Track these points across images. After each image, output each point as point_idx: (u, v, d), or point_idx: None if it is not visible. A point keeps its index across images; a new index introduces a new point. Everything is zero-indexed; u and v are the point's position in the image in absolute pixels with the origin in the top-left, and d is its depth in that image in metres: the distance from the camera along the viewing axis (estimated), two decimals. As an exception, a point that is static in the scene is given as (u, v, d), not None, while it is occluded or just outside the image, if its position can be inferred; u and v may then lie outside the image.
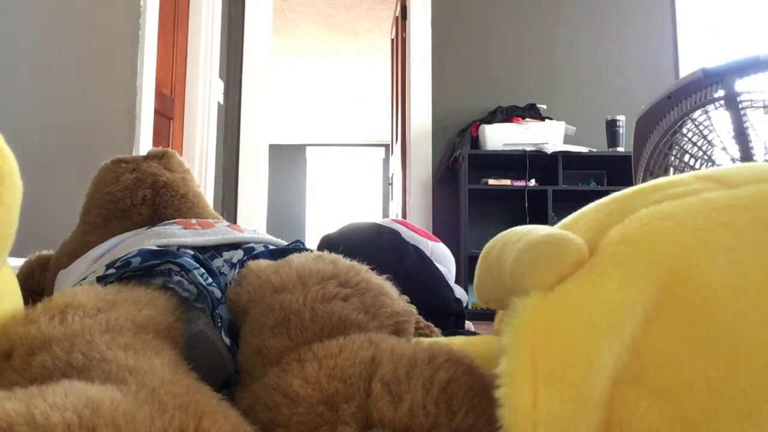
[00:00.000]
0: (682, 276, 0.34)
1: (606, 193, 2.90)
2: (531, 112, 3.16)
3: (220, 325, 0.58)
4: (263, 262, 0.62)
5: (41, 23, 1.44)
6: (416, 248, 1.06)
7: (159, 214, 0.83)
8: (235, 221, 3.12)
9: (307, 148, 7.97)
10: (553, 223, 2.68)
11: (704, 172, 0.43)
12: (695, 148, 1.24)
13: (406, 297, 0.62)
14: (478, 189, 2.96)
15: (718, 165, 1.23)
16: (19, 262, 0.97)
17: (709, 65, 1.20)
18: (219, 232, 0.75)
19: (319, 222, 7.74)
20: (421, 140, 3.23)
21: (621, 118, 3.08)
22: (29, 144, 1.40)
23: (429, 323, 0.81)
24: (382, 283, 0.58)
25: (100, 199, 0.84)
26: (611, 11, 3.35)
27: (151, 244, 0.68)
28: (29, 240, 1.34)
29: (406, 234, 1.09)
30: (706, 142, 1.22)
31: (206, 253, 0.71)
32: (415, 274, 1.00)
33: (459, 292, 1.07)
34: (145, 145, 2.01)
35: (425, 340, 0.48)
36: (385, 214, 7.71)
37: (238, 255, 0.71)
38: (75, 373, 0.40)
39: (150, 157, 0.89)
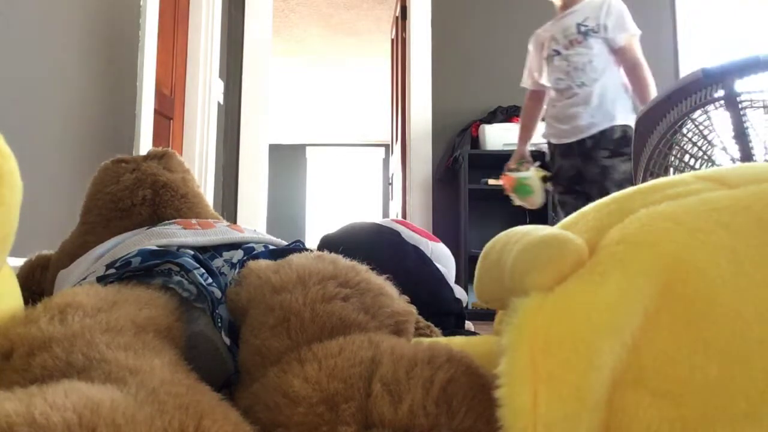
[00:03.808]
0: (682, 276, 0.34)
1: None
2: (531, 112, 3.16)
3: (220, 325, 0.58)
4: (263, 262, 0.62)
5: (41, 23, 1.44)
6: (416, 248, 1.06)
7: (159, 214, 0.83)
8: (235, 221, 3.12)
9: (307, 148, 7.97)
10: (553, 223, 2.68)
11: (704, 172, 0.43)
12: (695, 148, 1.24)
13: (406, 297, 0.62)
14: (478, 189, 2.96)
15: (718, 165, 1.23)
16: (19, 262, 0.97)
17: (709, 65, 1.20)
18: (219, 232, 0.75)
19: (319, 222, 7.74)
20: (421, 140, 3.23)
21: (621, 118, 3.07)
22: (30, 144, 1.40)
23: (429, 323, 0.81)
24: (382, 283, 0.58)
25: (100, 199, 0.84)
26: (611, 11, 3.35)
27: (151, 244, 0.68)
28: (29, 240, 1.34)
29: (406, 234, 1.09)
30: (706, 142, 1.23)
31: (206, 253, 0.71)
32: (415, 274, 1.00)
33: (459, 292, 1.07)
34: (145, 145, 2.00)
35: (425, 340, 0.48)
36: (385, 214, 7.70)
37: (238, 255, 0.71)
38: (75, 373, 0.40)
39: (150, 157, 0.89)
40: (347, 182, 7.96)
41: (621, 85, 2.06)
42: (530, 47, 2.26)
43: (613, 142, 1.99)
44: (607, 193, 1.93)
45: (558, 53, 2.06)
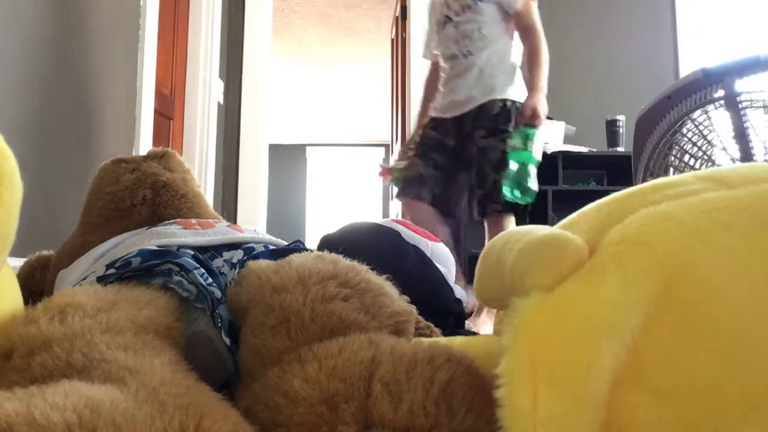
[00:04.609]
0: (682, 276, 0.34)
1: (606, 193, 2.88)
2: (531, 112, 3.15)
3: (220, 325, 0.58)
4: (263, 262, 0.62)
5: (41, 23, 1.44)
6: (416, 248, 1.06)
7: (159, 214, 0.83)
8: (235, 221, 3.12)
9: (307, 148, 7.97)
10: (553, 223, 2.68)
11: (704, 172, 0.43)
12: (695, 148, 1.24)
13: (406, 297, 0.62)
14: (478, 189, 2.95)
15: (718, 165, 1.23)
16: (19, 262, 0.97)
17: (709, 65, 1.20)
18: (219, 232, 0.75)
19: (319, 222, 7.74)
20: (421, 140, 3.23)
21: (621, 118, 3.08)
22: (29, 144, 1.40)
23: (429, 323, 0.81)
24: (382, 283, 0.58)
25: (100, 199, 0.84)
26: (611, 11, 3.35)
27: (151, 244, 0.68)
28: (29, 240, 1.34)
29: (407, 234, 1.09)
30: (706, 142, 1.23)
31: (206, 253, 0.71)
32: (415, 274, 1.00)
33: (459, 292, 1.07)
34: (145, 145, 2.00)
35: (425, 340, 0.48)
36: (385, 214, 7.70)
37: (238, 255, 0.71)
38: (75, 373, 0.40)
39: (150, 157, 0.89)
40: (347, 182, 7.96)
41: (508, 58, 1.95)
42: (427, 15, 2.11)
43: (490, 118, 1.88)
44: (485, 175, 1.90)
45: (449, 20, 1.94)
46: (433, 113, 2.04)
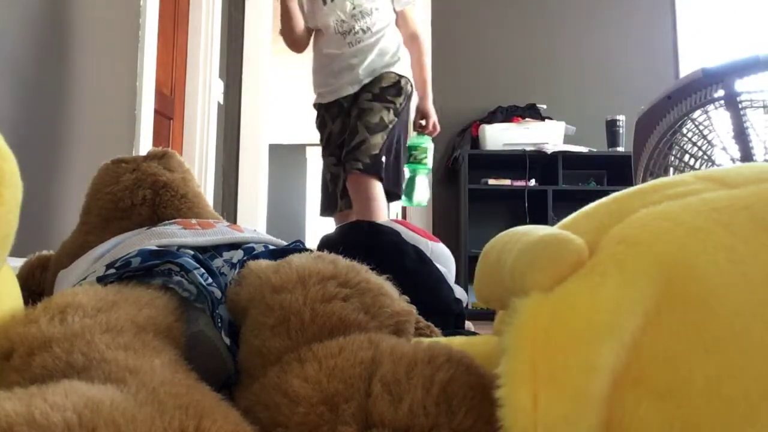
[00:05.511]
0: (682, 276, 0.34)
1: (606, 193, 2.87)
2: (531, 112, 3.16)
3: (220, 325, 0.58)
4: (263, 262, 0.62)
5: (41, 23, 1.44)
6: (416, 248, 1.06)
7: (159, 214, 0.83)
8: (235, 221, 3.12)
9: (307, 148, 7.96)
10: (553, 223, 2.68)
11: (704, 172, 0.43)
12: (695, 148, 1.24)
13: (406, 297, 0.62)
14: (478, 189, 2.96)
15: (718, 165, 1.23)
16: (19, 262, 0.97)
17: (709, 65, 1.20)
18: (219, 232, 0.75)
19: (319, 222, 7.73)
20: (421, 140, 3.23)
21: (621, 118, 3.08)
22: (29, 144, 1.40)
23: (429, 323, 0.81)
24: (382, 283, 0.58)
25: (100, 199, 0.84)
26: (612, 11, 3.35)
27: (151, 244, 0.68)
28: (29, 240, 1.34)
29: (407, 234, 1.09)
30: (706, 142, 1.23)
31: (206, 253, 0.71)
32: (415, 274, 1.00)
33: (459, 292, 1.07)
34: (145, 145, 2.00)
35: (425, 340, 0.48)
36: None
37: (238, 255, 0.71)
38: (75, 373, 0.40)
39: (150, 157, 0.89)
40: (347, 182, 7.94)
41: (401, 44, 1.96)
42: None
43: (381, 89, 1.86)
44: (355, 132, 1.91)
45: None
46: (323, 99, 2.00)
